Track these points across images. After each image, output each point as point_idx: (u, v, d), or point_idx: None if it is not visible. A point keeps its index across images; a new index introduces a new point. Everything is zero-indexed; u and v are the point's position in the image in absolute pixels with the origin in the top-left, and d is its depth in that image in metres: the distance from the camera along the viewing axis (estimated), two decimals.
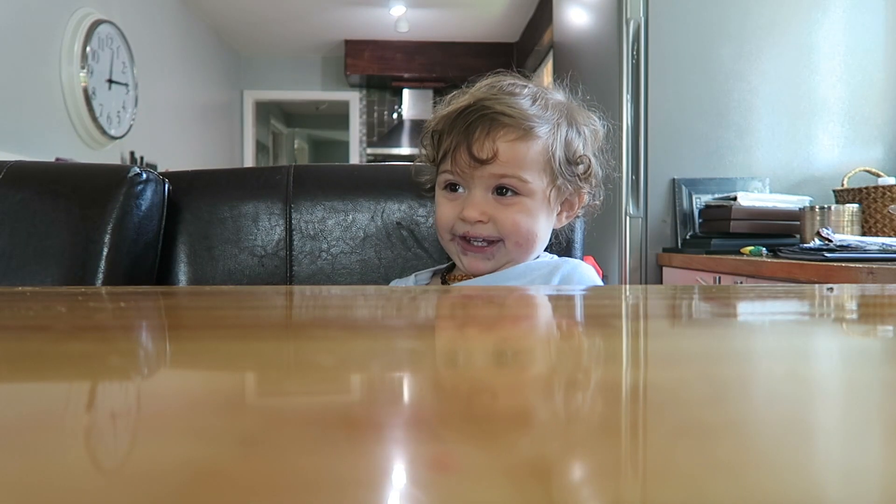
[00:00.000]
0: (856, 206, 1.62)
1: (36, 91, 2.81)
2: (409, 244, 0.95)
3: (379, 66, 5.45)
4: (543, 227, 0.77)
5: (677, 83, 1.95)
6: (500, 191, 0.75)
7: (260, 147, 6.47)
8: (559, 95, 0.80)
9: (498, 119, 0.73)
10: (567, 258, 0.83)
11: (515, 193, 0.75)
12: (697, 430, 0.17)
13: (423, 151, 0.82)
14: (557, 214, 0.80)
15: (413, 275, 0.86)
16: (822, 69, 1.97)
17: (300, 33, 5.27)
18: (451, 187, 0.78)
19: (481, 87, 0.78)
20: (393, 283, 0.87)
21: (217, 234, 0.93)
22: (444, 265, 0.86)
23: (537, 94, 0.78)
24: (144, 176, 0.90)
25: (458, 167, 0.75)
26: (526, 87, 0.78)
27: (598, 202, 0.83)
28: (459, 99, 0.78)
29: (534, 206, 0.75)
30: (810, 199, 1.84)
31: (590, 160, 0.78)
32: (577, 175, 0.77)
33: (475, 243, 0.76)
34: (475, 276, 0.79)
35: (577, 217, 0.84)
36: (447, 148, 0.76)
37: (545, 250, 0.84)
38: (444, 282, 0.83)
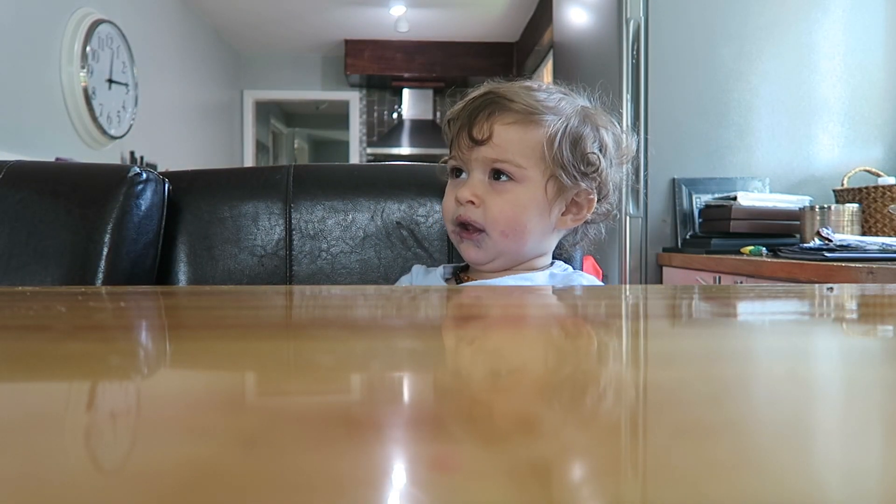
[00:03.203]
0: (856, 205, 1.62)
1: (36, 91, 2.81)
2: (409, 244, 0.95)
3: (379, 66, 5.45)
4: (536, 219, 0.75)
5: (677, 83, 1.95)
6: (496, 175, 0.75)
7: (260, 147, 6.47)
8: (582, 100, 0.79)
9: (500, 104, 0.74)
10: (582, 273, 0.82)
11: (510, 179, 0.74)
12: (697, 430, 0.17)
13: (447, 144, 0.82)
14: (562, 214, 0.78)
15: (441, 266, 0.85)
16: (822, 69, 1.97)
17: (300, 33, 5.27)
18: (456, 173, 0.79)
19: (501, 82, 0.78)
20: (415, 268, 0.87)
21: (217, 233, 0.93)
22: (463, 263, 0.86)
23: (555, 90, 0.78)
24: (144, 176, 0.90)
25: (459, 151, 0.76)
26: (546, 86, 0.78)
27: (609, 206, 0.80)
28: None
29: (526, 195, 0.74)
30: (810, 198, 1.84)
31: (599, 159, 0.76)
32: (581, 171, 0.75)
33: (466, 228, 0.76)
34: (474, 264, 0.79)
35: (588, 222, 0.81)
36: (453, 134, 0.77)
37: (556, 258, 0.84)
38: (458, 280, 0.83)
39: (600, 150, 0.77)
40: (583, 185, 0.76)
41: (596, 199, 0.78)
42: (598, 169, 0.76)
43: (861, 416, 0.20)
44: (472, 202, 0.75)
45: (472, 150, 0.74)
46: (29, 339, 0.31)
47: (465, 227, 0.76)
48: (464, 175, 0.77)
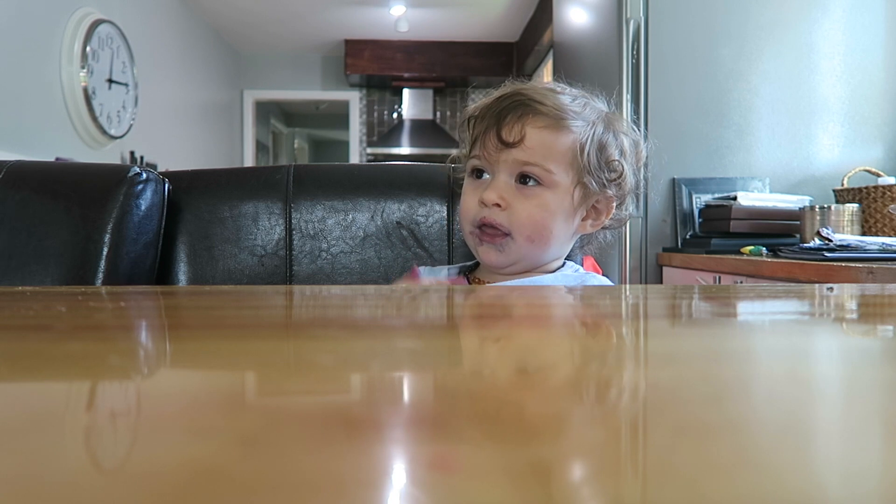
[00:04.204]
0: (856, 205, 1.62)
1: (36, 91, 2.81)
2: (409, 244, 0.95)
3: (379, 66, 5.45)
4: (561, 225, 0.75)
5: (677, 83, 1.95)
6: (524, 179, 0.74)
7: (260, 147, 6.47)
8: (601, 104, 0.79)
9: (532, 106, 0.73)
10: (593, 274, 0.82)
11: (538, 184, 0.73)
12: (697, 430, 0.17)
13: (462, 145, 0.81)
14: (583, 219, 0.78)
15: (446, 268, 0.84)
16: (822, 69, 1.97)
17: (300, 33, 5.27)
18: (477, 173, 0.77)
19: (525, 82, 0.78)
20: (419, 270, 0.87)
21: (217, 233, 0.93)
22: (471, 262, 0.85)
23: (578, 95, 0.77)
24: (144, 176, 0.90)
25: (485, 151, 0.74)
26: (568, 89, 0.78)
27: (627, 212, 0.80)
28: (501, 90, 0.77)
29: (554, 200, 0.74)
30: (810, 198, 1.84)
31: (623, 166, 0.76)
32: (606, 178, 0.75)
33: (488, 230, 0.75)
34: (493, 268, 0.78)
35: (604, 227, 0.81)
36: (478, 133, 0.76)
37: (569, 259, 0.84)
38: (468, 281, 0.83)
39: (621, 156, 0.77)
40: (609, 191, 0.76)
41: (616, 205, 0.78)
42: (621, 175, 0.76)
43: (861, 416, 0.20)
44: (499, 205, 0.74)
45: (501, 152, 0.73)
46: (29, 339, 0.31)
47: (484, 229, 0.75)
48: (486, 176, 0.76)
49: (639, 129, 0.83)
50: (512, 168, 0.74)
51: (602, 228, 0.81)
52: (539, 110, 0.73)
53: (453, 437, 0.17)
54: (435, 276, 0.84)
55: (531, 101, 0.73)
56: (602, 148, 0.75)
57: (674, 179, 1.95)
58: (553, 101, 0.73)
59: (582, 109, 0.75)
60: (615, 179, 0.76)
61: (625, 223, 0.83)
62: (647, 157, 0.82)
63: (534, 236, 0.74)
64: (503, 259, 0.76)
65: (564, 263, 0.82)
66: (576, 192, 0.74)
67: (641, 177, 0.82)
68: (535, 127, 0.73)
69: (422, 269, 0.87)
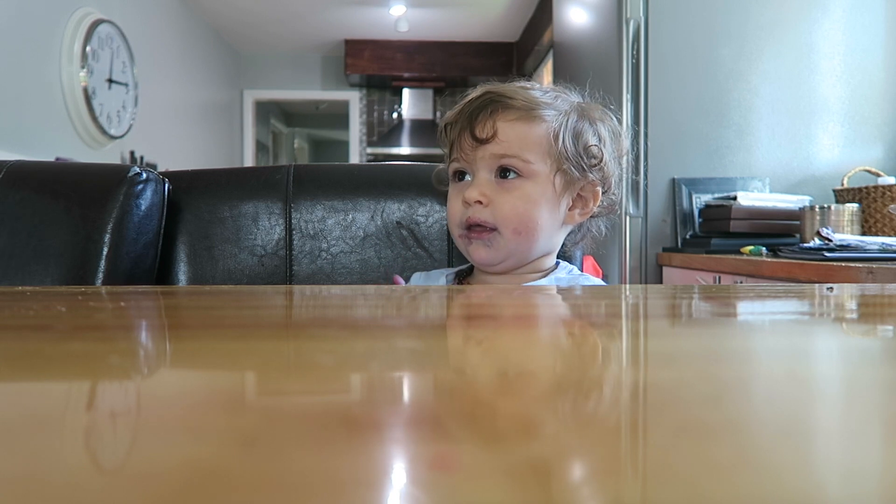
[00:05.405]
0: (856, 205, 1.62)
1: (36, 91, 2.81)
2: (409, 244, 0.95)
3: (379, 66, 5.45)
4: (546, 215, 0.75)
5: (677, 83, 1.95)
6: (503, 173, 0.74)
7: (260, 147, 6.46)
8: (575, 96, 0.80)
9: (501, 102, 0.74)
10: (588, 275, 0.82)
11: (518, 175, 0.74)
12: (697, 430, 0.17)
13: (444, 150, 0.82)
14: (570, 209, 0.78)
15: (443, 275, 0.84)
16: (822, 69, 1.97)
17: (300, 33, 5.27)
18: (459, 176, 0.78)
19: (494, 83, 0.79)
20: (415, 276, 0.87)
21: (217, 233, 0.93)
22: (465, 266, 0.85)
23: (549, 88, 0.78)
24: (144, 175, 0.90)
25: (462, 153, 0.75)
26: (538, 85, 0.79)
27: (612, 198, 0.80)
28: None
29: (535, 190, 0.74)
30: (810, 198, 1.84)
31: (601, 151, 0.76)
32: (586, 163, 0.75)
33: (476, 228, 0.75)
34: (484, 266, 0.78)
35: (594, 216, 0.81)
36: (454, 137, 0.77)
37: (560, 258, 0.83)
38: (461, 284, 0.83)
39: (600, 142, 0.77)
40: (591, 176, 0.76)
41: (601, 192, 0.78)
42: (601, 160, 0.76)
43: (861, 416, 0.20)
44: (481, 202, 0.74)
45: (477, 150, 0.74)
46: (29, 339, 0.31)
47: (472, 228, 0.75)
48: (468, 177, 0.77)
49: (640, 130, 0.84)
50: (490, 164, 0.74)
51: (592, 217, 0.81)
52: (509, 104, 0.74)
53: (452, 437, 0.17)
54: (432, 283, 0.84)
55: (500, 98, 0.74)
56: (578, 135, 0.75)
57: (674, 179, 1.95)
58: (522, 95, 0.74)
59: (553, 101, 0.76)
60: (596, 164, 0.76)
61: (615, 211, 0.82)
62: (630, 143, 0.83)
63: (520, 228, 0.74)
64: (493, 255, 0.76)
65: (558, 264, 0.82)
66: (556, 180, 0.74)
67: (625, 164, 0.82)
68: (506, 120, 0.74)
69: (417, 274, 0.87)
